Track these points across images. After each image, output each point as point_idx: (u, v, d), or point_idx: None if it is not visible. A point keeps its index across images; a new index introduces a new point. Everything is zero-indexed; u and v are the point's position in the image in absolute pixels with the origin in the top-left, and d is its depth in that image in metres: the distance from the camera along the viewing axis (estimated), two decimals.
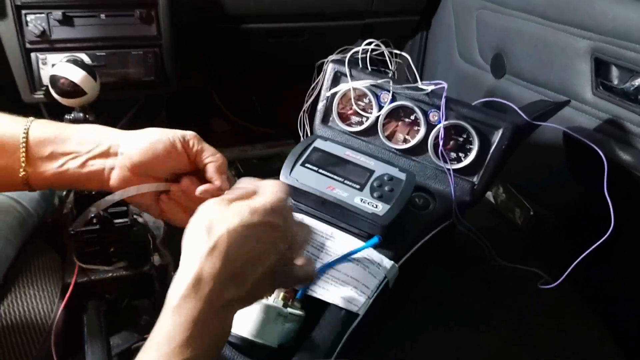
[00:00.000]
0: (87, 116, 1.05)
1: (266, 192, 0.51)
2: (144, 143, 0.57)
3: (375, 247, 0.75)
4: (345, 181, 0.79)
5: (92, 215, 1.09)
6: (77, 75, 0.97)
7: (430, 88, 0.89)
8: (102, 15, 1.14)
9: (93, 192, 1.10)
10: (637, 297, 1.03)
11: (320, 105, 0.97)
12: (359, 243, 0.75)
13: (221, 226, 0.46)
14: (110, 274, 1.05)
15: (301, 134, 1.00)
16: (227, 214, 0.47)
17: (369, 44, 0.94)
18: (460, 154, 0.89)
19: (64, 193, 1.20)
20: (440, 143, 0.88)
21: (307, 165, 0.81)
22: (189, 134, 0.59)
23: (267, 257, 0.48)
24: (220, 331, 0.47)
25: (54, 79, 0.97)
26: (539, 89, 1.14)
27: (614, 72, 0.95)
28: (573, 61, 1.02)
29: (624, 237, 0.82)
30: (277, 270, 0.50)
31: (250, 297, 0.49)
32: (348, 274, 0.71)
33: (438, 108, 0.88)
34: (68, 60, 1.02)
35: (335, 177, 0.79)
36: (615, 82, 0.95)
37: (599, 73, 0.97)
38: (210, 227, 0.46)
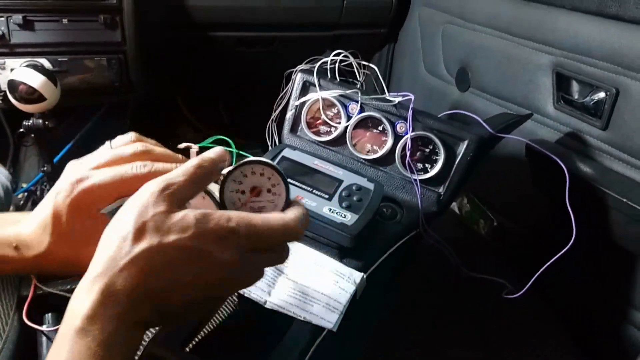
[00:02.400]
0: (47, 123, 1.02)
1: (219, 218, 0.42)
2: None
3: (343, 258, 0.75)
4: (314, 191, 0.78)
5: None
6: (36, 81, 0.94)
7: (397, 100, 0.89)
8: (65, 20, 1.11)
9: None
10: (599, 306, 1.06)
11: (289, 115, 0.96)
12: (322, 256, 0.75)
13: (153, 237, 0.39)
14: (69, 286, 1.01)
15: (269, 143, 1.00)
16: (167, 223, 0.40)
17: (338, 54, 0.94)
18: (427, 165, 0.90)
19: (21, 202, 1.16)
20: (408, 154, 0.89)
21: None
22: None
23: (200, 288, 0.41)
24: (130, 351, 0.40)
25: (12, 84, 0.94)
26: (503, 102, 1.17)
27: (575, 86, 0.98)
28: (535, 76, 1.05)
29: (585, 247, 0.84)
30: (213, 296, 0.44)
31: (174, 320, 0.43)
32: (318, 290, 0.71)
33: (405, 119, 0.89)
34: (28, 65, 0.99)
35: (304, 186, 0.79)
36: (576, 96, 0.97)
37: (560, 87, 1.00)
38: (139, 233, 0.39)
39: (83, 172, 0.49)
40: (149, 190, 0.41)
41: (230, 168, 0.48)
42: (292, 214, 0.46)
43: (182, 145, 0.52)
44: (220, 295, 0.47)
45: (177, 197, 0.42)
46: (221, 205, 0.47)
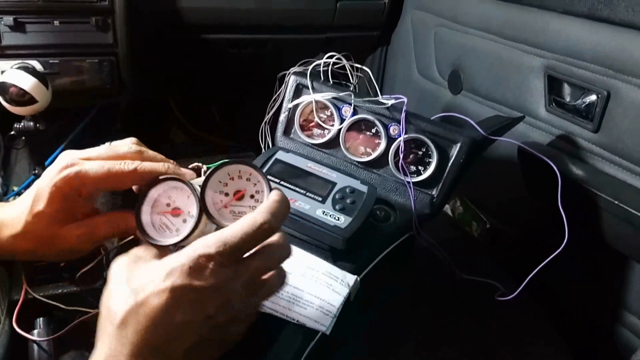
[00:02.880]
0: (38, 125, 1.01)
1: (180, 253, 0.42)
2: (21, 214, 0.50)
3: (336, 260, 0.75)
4: (307, 193, 0.78)
5: None
6: (27, 83, 0.94)
7: (390, 102, 0.90)
8: (56, 22, 1.10)
9: None
10: (592, 307, 1.07)
11: (282, 117, 0.96)
12: (316, 259, 0.74)
13: (128, 299, 0.40)
14: (60, 290, 1.00)
15: (262, 146, 1.00)
16: (136, 280, 0.41)
17: (331, 57, 0.94)
18: (420, 167, 0.90)
19: None
20: (401, 156, 0.89)
21: (268, 177, 0.80)
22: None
23: (194, 325, 0.41)
24: None
25: (3, 86, 0.94)
26: (495, 105, 1.17)
27: (567, 89, 0.98)
28: (527, 78, 1.05)
29: (578, 249, 0.84)
30: (220, 331, 0.43)
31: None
32: (311, 292, 0.70)
33: (398, 122, 0.89)
34: (19, 67, 0.98)
35: (297, 189, 0.79)
36: (568, 99, 0.98)
37: (552, 90, 1.01)
38: (114, 311, 0.40)
39: (74, 159, 0.50)
40: (118, 262, 0.44)
41: (216, 165, 0.48)
42: (261, 209, 0.45)
43: (192, 166, 0.54)
44: (224, 322, 0.44)
45: (131, 260, 0.44)
46: (201, 203, 0.47)
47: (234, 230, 0.43)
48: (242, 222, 0.44)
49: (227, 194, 0.48)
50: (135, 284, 0.41)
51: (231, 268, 0.43)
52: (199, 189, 0.48)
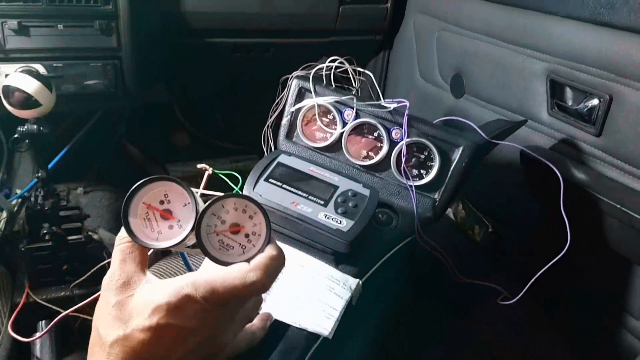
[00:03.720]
0: (42, 128, 1.02)
1: (169, 287, 0.43)
2: None
3: (338, 264, 0.75)
4: (310, 197, 0.78)
5: (44, 231, 1.05)
6: (31, 86, 0.94)
7: (392, 106, 0.90)
8: (60, 26, 1.11)
9: (46, 208, 1.07)
10: (594, 311, 1.06)
11: (285, 121, 0.96)
12: (318, 262, 0.75)
13: (118, 330, 0.42)
14: (62, 293, 1.01)
15: (265, 149, 1.00)
16: (125, 310, 0.42)
17: (333, 61, 0.95)
18: (422, 171, 0.90)
19: (15, 209, 1.15)
20: (403, 160, 0.89)
21: (270, 180, 0.80)
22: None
23: (175, 358, 0.43)
24: None
25: (7, 90, 0.94)
26: (497, 109, 1.17)
27: (569, 93, 0.98)
28: (529, 82, 1.05)
29: (580, 253, 0.84)
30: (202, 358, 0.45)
31: None
32: (313, 296, 0.71)
33: (400, 126, 0.89)
34: (23, 71, 0.99)
35: (299, 192, 0.79)
36: (570, 103, 0.98)
37: (554, 94, 1.01)
38: (103, 336, 0.42)
39: None
40: (104, 297, 0.45)
41: (221, 195, 0.46)
42: (256, 266, 0.44)
43: (200, 166, 0.52)
44: (210, 355, 0.46)
45: (123, 281, 0.44)
46: (197, 228, 0.45)
47: (224, 280, 0.43)
48: (235, 273, 0.43)
49: (223, 222, 0.46)
50: (124, 314, 0.42)
51: (214, 313, 0.43)
52: (200, 202, 0.47)
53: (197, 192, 0.48)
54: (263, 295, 0.67)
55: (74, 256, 1.06)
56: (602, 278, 1.03)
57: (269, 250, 0.46)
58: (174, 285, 0.42)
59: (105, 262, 1.04)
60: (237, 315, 0.47)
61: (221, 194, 0.47)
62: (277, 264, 0.45)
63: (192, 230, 0.45)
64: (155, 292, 0.43)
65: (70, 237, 1.07)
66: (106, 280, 0.45)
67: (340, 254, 0.75)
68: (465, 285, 1.01)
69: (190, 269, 0.52)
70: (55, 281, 1.04)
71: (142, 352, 0.42)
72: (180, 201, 0.46)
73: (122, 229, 0.46)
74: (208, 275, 0.43)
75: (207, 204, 0.46)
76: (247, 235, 0.46)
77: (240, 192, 0.46)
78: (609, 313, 1.02)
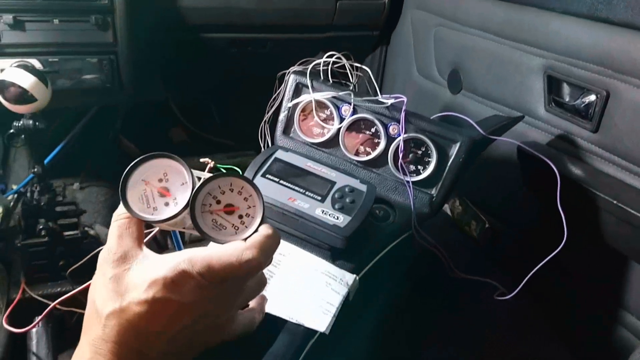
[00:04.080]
0: (37, 123, 1.01)
1: (166, 262, 0.43)
2: None
3: (335, 259, 0.75)
4: (307, 192, 0.78)
5: (41, 227, 1.05)
6: (27, 81, 0.93)
7: (390, 101, 0.90)
8: (56, 21, 1.10)
9: (42, 204, 1.06)
10: (591, 306, 1.07)
11: (282, 116, 0.96)
12: (315, 258, 0.75)
13: (114, 302, 0.42)
14: (58, 289, 1.00)
15: (262, 145, 1.00)
16: (122, 283, 0.43)
17: (330, 56, 0.94)
18: (419, 167, 0.90)
19: (11, 204, 1.15)
20: (400, 156, 0.89)
21: (267, 176, 0.80)
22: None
23: (170, 334, 0.43)
24: None
25: (2, 85, 0.93)
26: (494, 105, 1.17)
27: (566, 89, 0.98)
28: (526, 78, 1.05)
29: (577, 248, 0.84)
30: (198, 337, 0.45)
31: None
32: (310, 291, 0.71)
33: (398, 121, 0.89)
34: (18, 66, 0.98)
35: (297, 188, 0.79)
36: (567, 99, 0.98)
37: (551, 90, 1.01)
38: (99, 309, 0.43)
39: None
40: (99, 272, 0.45)
41: (225, 173, 0.47)
42: (252, 244, 0.45)
43: (203, 160, 0.52)
44: (202, 340, 0.46)
45: (120, 255, 0.44)
46: (191, 204, 0.46)
47: (220, 256, 0.43)
48: (231, 250, 0.44)
49: (218, 202, 0.47)
50: (121, 287, 0.43)
51: (210, 289, 0.44)
52: (197, 181, 0.47)
53: (197, 175, 0.48)
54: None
55: (70, 252, 1.05)
56: (598, 274, 1.04)
57: (264, 230, 0.46)
58: (171, 261, 0.43)
59: (93, 252, 1.03)
60: (235, 295, 0.47)
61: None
62: (272, 242, 0.46)
63: (186, 206, 0.46)
64: (152, 267, 0.43)
65: (66, 233, 1.06)
66: (103, 254, 0.45)
67: (337, 249, 0.75)
68: (462, 280, 1.02)
69: (180, 248, 0.52)
70: (51, 277, 1.04)
71: (138, 325, 0.42)
72: (178, 180, 0.47)
73: (120, 206, 0.46)
74: (205, 251, 0.43)
75: (202, 180, 0.46)
76: (240, 217, 0.47)
77: (238, 173, 0.47)
78: (605, 308, 1.02)
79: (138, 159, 0.46)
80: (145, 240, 0.48)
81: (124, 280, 0.43)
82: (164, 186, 0.47)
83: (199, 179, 0.47)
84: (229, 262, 0.43)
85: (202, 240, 0.48)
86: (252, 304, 0.53)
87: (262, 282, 0.50)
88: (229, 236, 0.46)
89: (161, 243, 1.27)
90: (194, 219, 0.46)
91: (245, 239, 0.46)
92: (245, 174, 0.79)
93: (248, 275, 0.46)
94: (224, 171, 0.51)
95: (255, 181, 0.78)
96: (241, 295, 0.47)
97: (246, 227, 0.47)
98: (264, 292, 0.61)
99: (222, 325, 0.47)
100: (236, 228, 0.47)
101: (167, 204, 0.47)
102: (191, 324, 0.44)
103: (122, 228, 0.46)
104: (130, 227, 0.46)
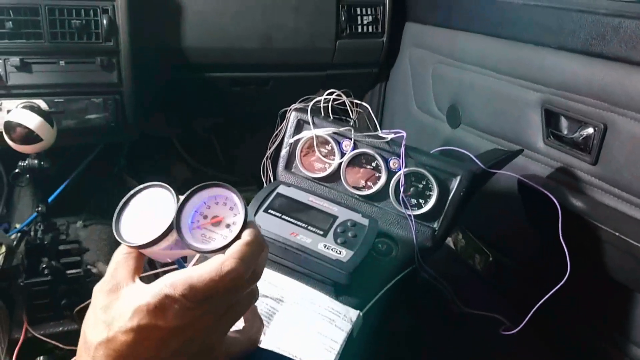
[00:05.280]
0: (42, 163, 1.02)
1: (149, 289, 0.43)
2: None
3: (338, 294, 0.75)
4: (309, 227, 0.78)
5: (44, 265, 1.05)
6: (33, 122, 0.95)
7: (390, 136, 0.91)
8: (62, 62, 1.12)
9: (45, 242, 1.07)
10: (597, 340, 1.05)
11: (284, 152, 0.97)
12: (318, 294, 0.74)
13: (102, 332, 0.42)
14: (61, 328, 1.00)
15: (264, 180, 1.00)
16: (110, 313, 0.43)
17: (331, 93, 0.96)
18: (421, 200, 0.91)
19: (14, 243, 1.15)
20: (401, 189, 0.90)
21: (270, 211, 0.80)
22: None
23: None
24: None
25: (8, 125, 0.95)
26: (493, 139, 1.19)
27: (564, 122, 1.00)
28: (524, 112, 1.07)
29: (580, 281, 0.84)
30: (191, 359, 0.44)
31: None
32: (313, 328, 0.70)
33: (398, 156, 0.90)
34: (24, 106, 1.00)
35: (299, 223, 0.79)
36: (565, 132, 0.99)
37: (549, 123, 1.02)
38: (88, 340, 0.43)
39: None
40: (93, 303, 0.44)
41: (203, 184, 0.47)
42: (231, 255, 0.44)
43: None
44: (197, 355, 0.45)
45: (110, 287, 0.44)
46: (176, 216, 0.46)
47: (201, 274, 0.43)
48: (210, 266, 0.43)
49: (205, 217, 0.47)
50: (108, 317, 0.43)
51: (196, 310, 0.43)
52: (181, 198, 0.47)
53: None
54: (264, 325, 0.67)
55: (72, 290, 1.05)
56: (603, 306, 1.02)
57: (244, 237, 0.45)
58: (154, 287, 0.42)
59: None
60: (223, 312, 0.45)
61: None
62: (252, 250, 0.45)
63: (170, 226, 0.46)
64: (137, 295, 0.43)
65: (69, 271, 1.06)
66: (97, 287, 0.45)
67: (340, 284, 0.75)
68: (467, 315, 1.01)
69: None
70: (54, 316, 1.03)
71: (126, 354, 0.42)
72: (165, 203, 0.48)
73: (121, 246, 0.47)
74: (185, 272, 0.43)
75: (184, 196, 0.47)
76: (227, 225, 0.47)
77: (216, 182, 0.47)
78: (610, 341, 1.01)
79: (131, 193, 0.47)
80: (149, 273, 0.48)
81: (111, 310, 0.43)
82: (150, 211, 0.47)
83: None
84: (209, 278, 0.42)
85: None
86: (244, 322, 0.52)
87: (252, 294, 0.49)
88: (218, 246, 0.46)
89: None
90: (182, 235, 0.46)
91: (225, 249, 0.45)
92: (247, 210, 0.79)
93: (234, 289, 0.45)
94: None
95: (257, 217, 0.79)
96: (231, 311, 0.46)
97: (233, 235, 0.46)
98: (268, 328, 0.60)
99: (214, 345, 0.46)
100: (224, 238, 0.47)
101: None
102: (180, 347, 0.43)
103: (119, 263, 0.46)
104: (127, 260, 0.46)
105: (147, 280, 0.47)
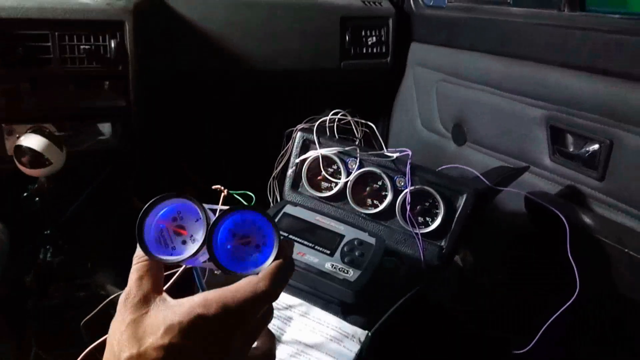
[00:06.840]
0: (52, 186, 1.04)
1: (181, 307, 0.43)
2: None
3: (346, 315, 0.74)
4: (316, 247, 0.79)
5: (53, 288, 1.05)
6: (42, 145, 0.96)
7: (395, 155, 0.91)
8: (71, 87, 1.14)
9: (54, 265, 1.07)
10: (609, 358, 1.04)
11: (290, 172, 0.98)
12: (327, 316, 0.74)
13: (132, 347, 0.42)
14: (70, 351, 0.99)
15: (271, 200, 1.01)
16: (140, 327, 0.43)
17: (336, 113, 0.97)
18: (428, 219, 0.91)
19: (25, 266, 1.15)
20: (408, 208, 0.90)
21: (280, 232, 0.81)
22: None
23: None
24: None
25: (19, 150, 0.96)
26: (499, 156, 1.19)
27: (569, 139, 1.00)
28: (530, 129, 1.07)
29: (590, 298, 0.83)
30: None
31: None
32: (322, 350, 0.70)
33: (404, 174, 0.91)
34: (34, 130, 1.01)
35: (306, 242, 0.79)
36: (571, 148, 0.99)
37: (555, 140, 1.02)
38: (117, 354, 0.43)
39: None
40: (117, 318, 0.44)
41: (229, 207, 0.47)
42: (264, 276, 0.45)
43: (215, 187, 0.53)
44: None
45: (139, 299, 0.44)
46: (207, 239, 0.46)
47: (235, 295, 0.43)
48: (245, 287, 0.44)
49: (234, 235, 0.48)
50: (138, 332, 0.42)
51: (227, 330, 0.43)
52: (211, 215, 0.48)
53: (211, 208, 0.49)
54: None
55: (82, 313, 1.05)
56: (614, 323, 1.01)
57: (277, 261, 0.46)
58: (187, 305, 0.43)
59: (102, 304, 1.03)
60: (247, 329, 0.46)
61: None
62: (284, 272, 0.46)
63: (203, 243, 0.46)
64: (169, 312, 0.43)
65: (78, 294, 1.07)
66: (122, 298, 0.45)
67: (348, 304, 0.74)
68: (476, 334, 1.00)
69: (202, 287, 0.53)
70: (64, 342, 1.03)
71: None
72: (192, 217, 0.48)
73: (139, 248, 0.47)
74: (219, 292, 0.43)
75: (216, 217, 0.47)
76: (257, 246, 0.47)
77: (250, 205, 0.48)
78: (622, 359, 0.99)
79: (150, 202, 0.47)
80: (169, 283, 0.48)
81: (142, 324, 0.43)
82: (179, 224, 0.47)
83: (214, 212, 0.48)
84: (244, 299, 0.43)
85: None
86: (261, 344, 0.52)
87: (271, 312, 0.50)
88: (248, 268, 0.46)
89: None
90: (213, 255, 0.46)
91: (257, 271, 0.46)
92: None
93: (259, 308, 0.45)
94: (237, 196, 0.51)
95: None
96: (253, 328, 0.47)
97: (267, 257, 0.47)
98: (277, 351, 0.60)
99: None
100: (255, 258, 0.47)
101: (184, 242, 0.47)
102: None
103: (142, 271, 0.46)
104: (150, 269, 0.46)
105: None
